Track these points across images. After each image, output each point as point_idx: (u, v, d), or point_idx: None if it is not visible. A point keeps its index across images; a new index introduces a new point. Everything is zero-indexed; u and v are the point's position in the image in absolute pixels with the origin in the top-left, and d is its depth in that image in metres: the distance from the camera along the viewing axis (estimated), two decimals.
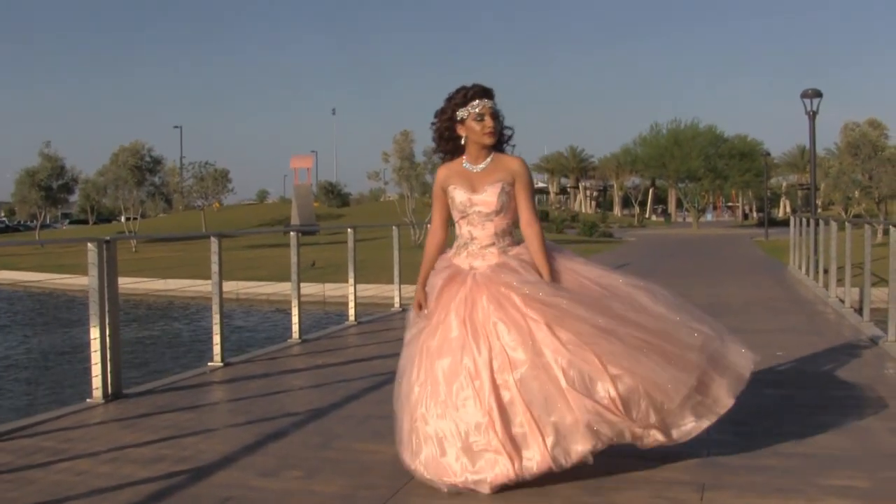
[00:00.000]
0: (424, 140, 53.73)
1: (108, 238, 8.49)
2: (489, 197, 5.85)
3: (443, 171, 6.08)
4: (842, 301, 16.01)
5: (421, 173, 47.76)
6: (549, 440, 5.27)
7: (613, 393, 5.29)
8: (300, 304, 12.81)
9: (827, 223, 18.40)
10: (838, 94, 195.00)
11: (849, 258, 15.72)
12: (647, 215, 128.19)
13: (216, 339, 10.51)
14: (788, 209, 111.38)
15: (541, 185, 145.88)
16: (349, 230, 15.27)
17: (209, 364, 10.48)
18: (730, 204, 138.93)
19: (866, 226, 14.05)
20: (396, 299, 16.91)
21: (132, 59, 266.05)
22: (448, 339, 5.56)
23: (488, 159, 5.94)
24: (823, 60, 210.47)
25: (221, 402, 9.11)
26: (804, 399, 8.32)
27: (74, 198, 75.31)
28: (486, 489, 5.35)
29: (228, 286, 20.94)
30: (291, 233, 12.97)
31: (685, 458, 5.99)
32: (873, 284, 13.89)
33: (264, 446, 6.80)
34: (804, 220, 23.39)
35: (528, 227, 5.95)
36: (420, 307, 5.93)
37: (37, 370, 19.16)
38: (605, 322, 5.46)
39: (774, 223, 73.99)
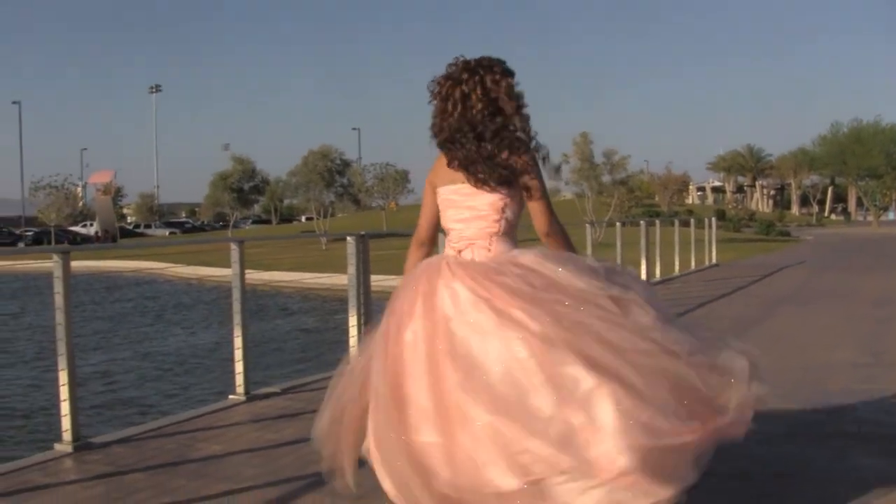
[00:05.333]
0: (602, 142, 54.57)
1: (363, 233, 10.36)
2: None
3: None
4: None
5: (599, 174, 48.98)
6: None
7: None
8: None
9: None
10: None
11: None
12: (825, 214, 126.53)
13: None
14: None
15: (717, 183, 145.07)
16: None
17: None
18: None
19: None
20: None
21: (310, 64, 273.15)
22: None
23: None
24: None
25: None
26: None
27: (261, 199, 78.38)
28: None
29: None
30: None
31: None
32: None
33: None
34: None
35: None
36: None
37: (286, 346, 21.55)
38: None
39: None
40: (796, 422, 7.15)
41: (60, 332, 7.01)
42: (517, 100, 4.39)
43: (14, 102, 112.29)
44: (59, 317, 7.00)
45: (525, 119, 4.40)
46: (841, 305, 16.36)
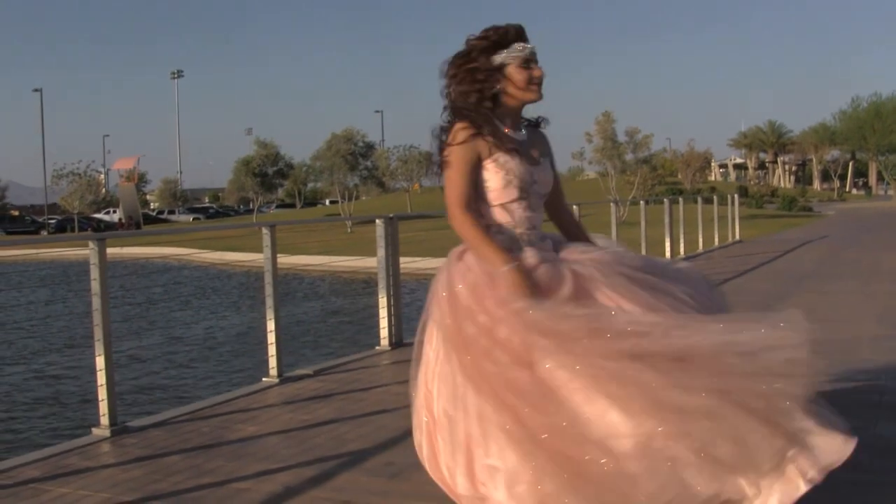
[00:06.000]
0: (625, 121, 54.46)
1: (392, 216, 10.50)
2: (547, 173, 4.43)
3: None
4: None
5: (623, 152, 49.02)
6: None
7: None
8: None
9: None
10: None
11: None
12: (846, 189, 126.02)
13: None
14: None
15: (738, 160, 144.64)
16: (574, 207, 16.85)
17: None
18: None
19: None
20: None
21: (333, 48, 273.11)
22: None
23: (521, 125, 4.46)
24: None
25: None
26: None
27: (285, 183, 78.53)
28: None
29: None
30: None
31: None
32: None
33: None
34: None
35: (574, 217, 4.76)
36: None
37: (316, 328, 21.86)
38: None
39: None
40: (820, 393, 7.28)
41: (97, 318, 7.13)
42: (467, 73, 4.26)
43: (35, 90, 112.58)
44: (96, 302, 7.13)
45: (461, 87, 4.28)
46: (862, 280, 16.48)
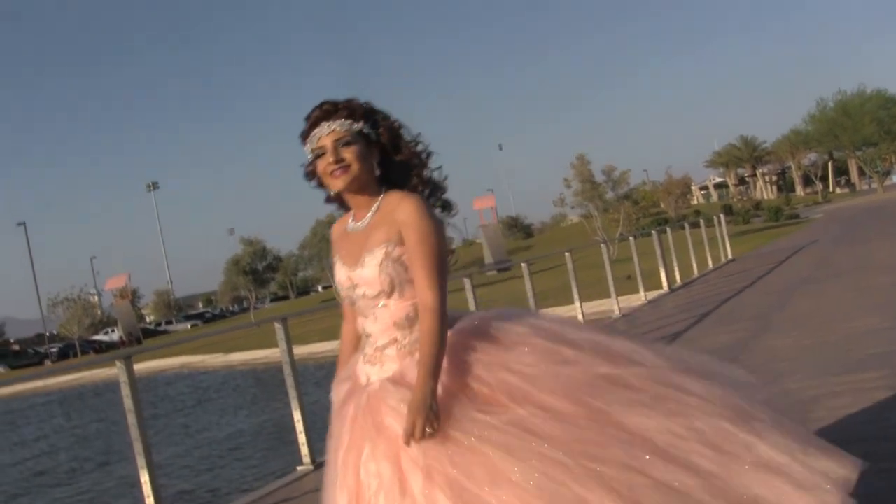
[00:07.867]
0: (600, 160, 54.72)
1: None
2: (369, 271, 3.52)
3: (334, 232, 3.90)
4: None
5: (603, 192, 49.48)
6: None
7: None
8: None
9: None
10: None
11: None
12: (830, 189, 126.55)
13: None
14: None
15: (718, 179, 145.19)
16: (566, 254, 17.07)
17: None
18: None
19: None
20: (615, 308, 18.84)
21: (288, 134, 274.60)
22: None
23: (374, 207, 3.65)
24: None
25: None
26: None
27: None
28: None
29: None
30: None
31: None
32: None
33: None
34: None
35: (423, 311, 3.41)
36: None
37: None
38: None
39: None
40: (831, 390, 7.57)
41: (134, 433, 7.43)
42: None
43: (19, 224, 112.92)
44: (131, 418, 7.43)
45: None
46: (857, 277, 16.76)
